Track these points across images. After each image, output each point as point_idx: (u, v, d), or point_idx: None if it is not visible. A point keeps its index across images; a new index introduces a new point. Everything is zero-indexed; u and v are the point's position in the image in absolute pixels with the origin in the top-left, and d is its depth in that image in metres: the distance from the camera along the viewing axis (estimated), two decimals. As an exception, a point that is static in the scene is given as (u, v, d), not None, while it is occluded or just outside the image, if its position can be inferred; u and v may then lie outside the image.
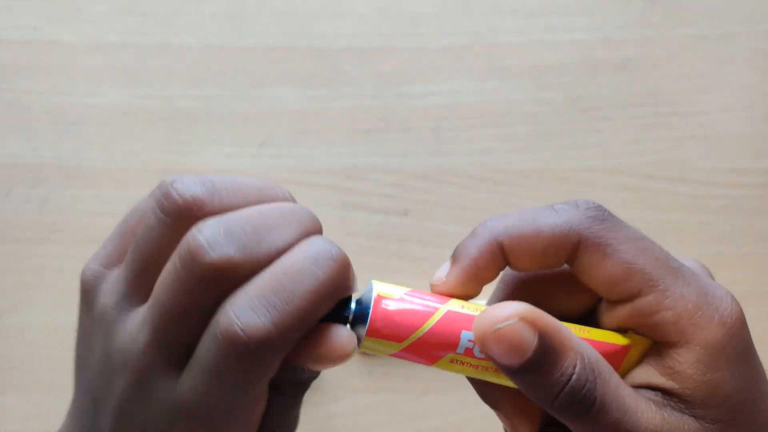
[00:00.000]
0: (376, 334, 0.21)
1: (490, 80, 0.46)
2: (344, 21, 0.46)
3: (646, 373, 0.22)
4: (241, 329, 0.18)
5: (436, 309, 0.21)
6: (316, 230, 0.21)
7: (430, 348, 0.21)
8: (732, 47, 0.47)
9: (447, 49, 0.46)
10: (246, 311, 0.19)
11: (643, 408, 0.20)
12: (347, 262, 0.20)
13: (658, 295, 0.21)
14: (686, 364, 0.20)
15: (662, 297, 0.21)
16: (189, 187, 0.20)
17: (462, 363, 0.21)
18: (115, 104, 0.46)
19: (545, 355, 0.19)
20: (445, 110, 0.46)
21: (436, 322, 0.21)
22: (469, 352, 0.21)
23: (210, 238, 0.19)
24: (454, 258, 0.22)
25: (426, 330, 0.21)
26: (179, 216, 0.20)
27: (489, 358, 0.20)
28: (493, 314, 0.19)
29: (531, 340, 0.19)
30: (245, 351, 0.19)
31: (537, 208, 0.22)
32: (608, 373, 0.20)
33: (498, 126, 0.46)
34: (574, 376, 0.19)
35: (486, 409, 0.47)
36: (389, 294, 0.21)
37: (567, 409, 0.20)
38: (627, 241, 0.21)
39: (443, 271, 0.22)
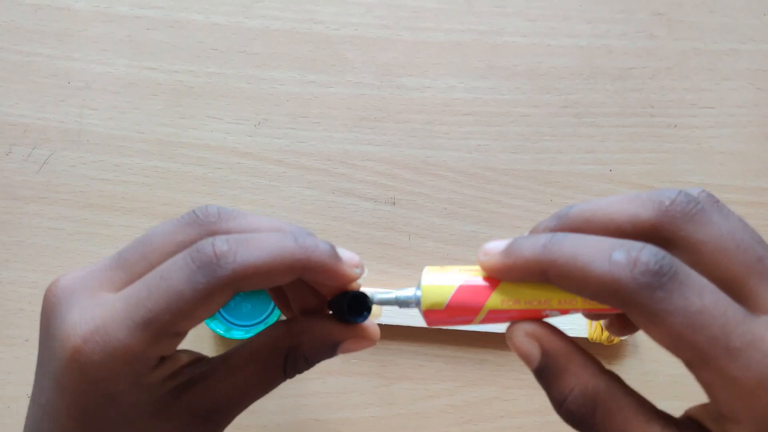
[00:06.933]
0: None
1: (488, 79, 0.46)
2: (350, 9, 0.47)
3: (703, 411, 0.22)
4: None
5: (479, 311, 0.24)
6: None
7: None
8: (732, 65, 0.47)
9: (448, 44, 0.47)
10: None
11: None
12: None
13: (710, 375, 0.20)
14: None
15: (714, 378, 0.20)
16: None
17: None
18: (120, 73, 0.47)
19: (547, 371, 0.22)
20: (441, 105, 0.46)
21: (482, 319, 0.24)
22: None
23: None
24: (508, 251, 0.23)
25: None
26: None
27: None
28: (511, 328, 0.23)
29: (536, 354, 0.23)
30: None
31: (599, 240, 0.21)
32: (617, 405, 0.21)
33: (492, 125, 0.46)
34: (570, 399, 0.22)
35: (450, 400, 0.47)
36: (436, 304, 0.24)
37: (568, 421, 0.22)
38: (679, 313, 0.19)
39: (494, 250, 0.23)
